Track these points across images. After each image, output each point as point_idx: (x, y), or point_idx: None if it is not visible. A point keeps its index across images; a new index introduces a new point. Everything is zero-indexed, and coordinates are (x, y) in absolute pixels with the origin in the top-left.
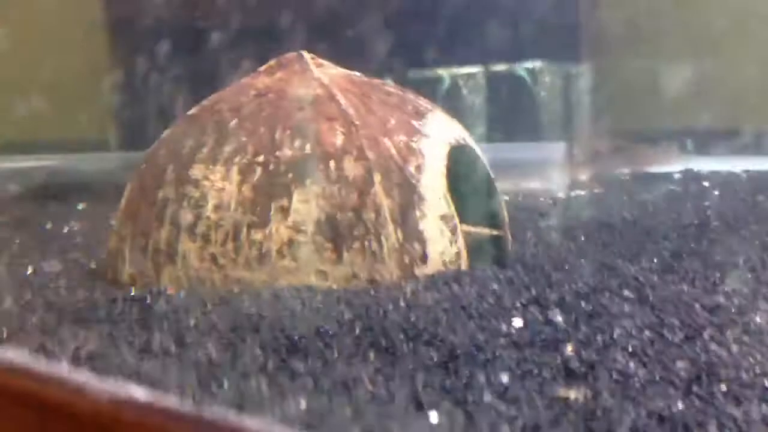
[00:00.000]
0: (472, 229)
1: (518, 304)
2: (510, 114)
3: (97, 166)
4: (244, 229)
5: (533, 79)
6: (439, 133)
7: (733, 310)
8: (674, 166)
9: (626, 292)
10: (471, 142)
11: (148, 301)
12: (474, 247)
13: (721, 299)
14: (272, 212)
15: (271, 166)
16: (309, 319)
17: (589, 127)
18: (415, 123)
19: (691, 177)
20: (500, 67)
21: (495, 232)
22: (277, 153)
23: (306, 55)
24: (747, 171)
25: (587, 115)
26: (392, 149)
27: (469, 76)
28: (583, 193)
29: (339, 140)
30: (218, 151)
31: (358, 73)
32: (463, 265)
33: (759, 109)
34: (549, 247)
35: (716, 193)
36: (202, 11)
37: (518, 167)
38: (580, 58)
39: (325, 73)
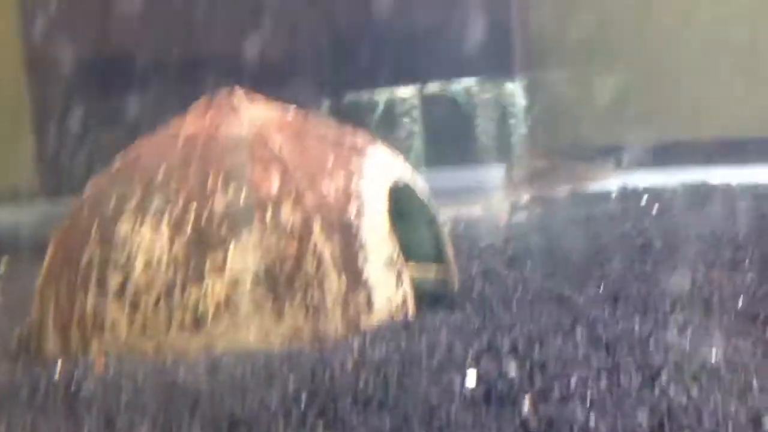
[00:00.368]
0: (416, 266)
1: (470, 355)
2: (446, 135)
3: (18, 216)
4: (177, 290)
5: (468, 99)
6: (380, 171)
7: (687, 347)
8: (611, 181)
9: (579, 332)
10: (412, 177)
11: (74, 381)
12: (420, 287)
13: (675, 334)
14: (206, 269)
15: (204, 218)
16: (251, 390)
17: (526, 145)
18: (354, 162)
19: (629, 193)
20: (434, 88)
21: (441, 270)
22: (210, 203)
23: (238, 92)
24: (683, 184)
25: (524, 133)
26: (331, 192)
27: (404, 98)
28: (524, 215)
29: (275, 185)
30: (146, 205)
31: (292, 108)
32: (410, 308)
33: (693, 121)
34: (495, 280)
35: (655, 209)
36: (128, 46)
37: (457, 192)
38: (515, 74)
39: (258, 111)
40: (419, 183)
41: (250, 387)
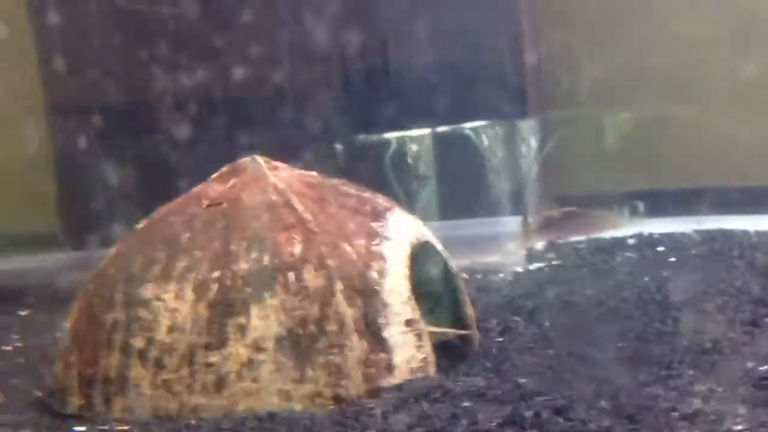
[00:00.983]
0: (438, 330)
1: (494, 425)
2: (460, 178)
3: (42, 265)
4: (200, 352)
5: (481, 140)
6: (400, 233)
7: (712, 418)
8: (627, 230)
9: (602, 402)
10: (431, 237)
11: None
12: (441, 347)
13: (698, 403)
14: (230, 331)
15: (228, 282)
16: None
17: (540, 192)
18: (374, 225)
19: (645, 242)
20: (447, 129)
21: (461, 332)
22: (233, 267)
23: (259, 159)
24: (698, 231)
25: (537, 179)
26: (353, 255)
27: (416, 138)
28: (541, 265)
29: (297, 249)
30: (170, 269)
31: (313, 173)
32: (431, 370)
33: (710, 168)
34: (515, 338)
35: (672, 259)
36: (155, 93)
37: (472, 240)
38: (528, 117)
39: (280, 177)
40: (437, 243)
41: None
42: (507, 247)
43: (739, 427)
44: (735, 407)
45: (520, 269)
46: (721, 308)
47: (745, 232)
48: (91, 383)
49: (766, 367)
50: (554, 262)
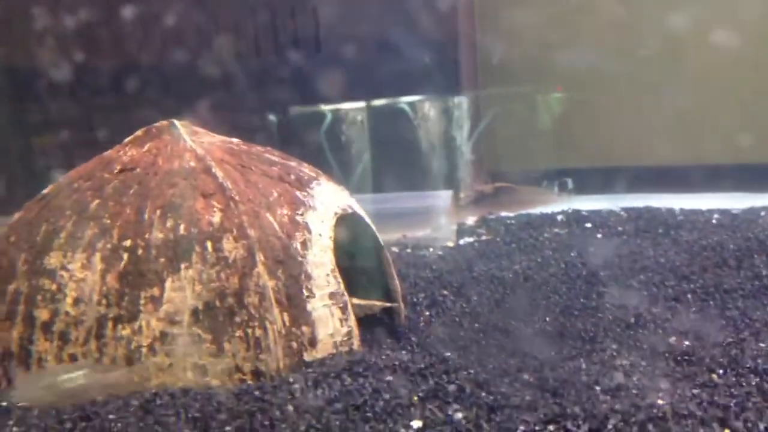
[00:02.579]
0: (363, 303)
1: (416, 399)
2: (393, 152)
3: None
4: (109, 325)
5: (415, 115)
6: (325, 203)
7: (634, 392)
8: (556, 206)
9: (525, 376)
10: (358, 208)
11: None
12: (366, 320)
13: (621, 378)
14: (141, 303)
15: (140, 251)
16: None
17: (473, 168)
18: (299, 194)
19: (573, 218)
20: (382, 104)
21: (387, 305)
22: (146, 236)
23: (178, 123)
24: (625, 208)
25: (470, 155)
26: (275, 225)
27: (351, 112)
28: (471, 240)
29: (216, 218)
30: (78, 237)
31: (235, 140)
32: (355, 344)
33: (638, 148)
34: (442, 312)
35: (599, 236)
36: (73, 57)
37: (404, 215)
38: (462, 94)
39: (200, 142)
40: (364, 214)
41: (182, 430)
42: (438, 222)
43: (662, 402)
44: (657, 382)
45: (450, 244)
46: (646, 284)
47: (671, 210)
48: None
49: (687, 342)
50: (484, 237)
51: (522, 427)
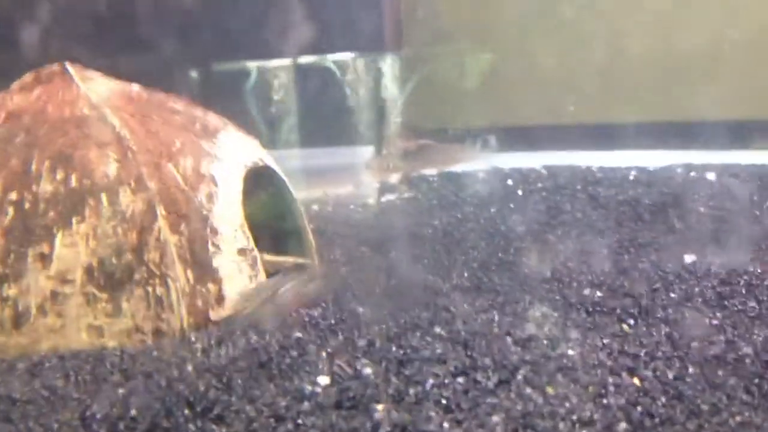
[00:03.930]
0: (274, 258)
1: (324, 355)
2: (319, 110)
3: None
4: None
5: (341, 73)
6: (234, 155)
7: (545, 343)
8: (478, 163)
9: (437, 329)
10: (270, 161)
11: None
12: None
13: (533, 329)
14: (29, 261)
15: (27, 205)
16: (73, 399)
17: (396, 125)
18: (204, 144)
19: (495, 176)
20: (308, 60)
21: (300, 260)
22: (34, 188)
23: (70, 67)
24: (545, 166)
25: (394, 112)
26: (178, 176)
27: (277, 69)
28: (392, 197)
29: (112, 169)
30: None
31: (136, 87)
32: None
33: (561, 105)
34: (359, 268)
35: (519, 192)
36: None
37: (326, 171)
38: (387, 51)
39: (95, 88)
40: (277, 167)
41: (72, 396)
42: (359, 179)
43: (572, 352)
44: (568, 332)
45: (371, 201)
46: (562, 239)
47: (589, 168)
48: None
49: (599, 293)
50: (406, 195)
51: (431, 380)
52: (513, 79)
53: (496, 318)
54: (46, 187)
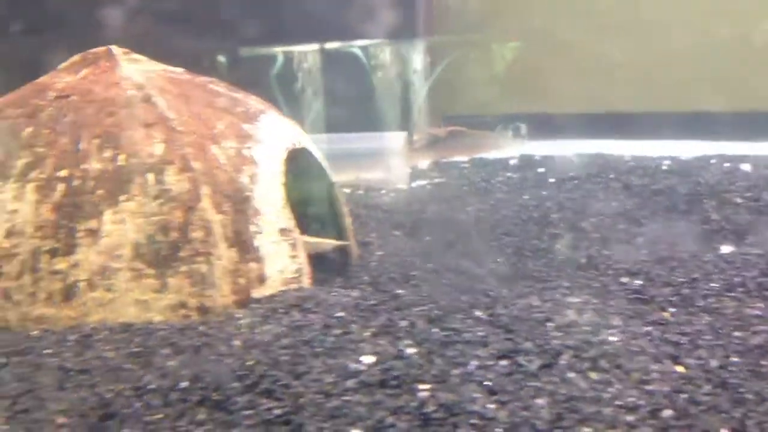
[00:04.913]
0: (313, 240)
1: (367, 334)
2: (346, 96)
3: None
4: (45, 258)
5: (369, 59)
6: (275, 137)
7: (586, 329)
8: (509, 151)
9: (477, 312)
10: (309, 143)
11: None
12: (316, 259)
13: (572, 315)
14: (79, 236)
15: (76, 182)
16: (125, 371)
17: (426, 111)
18: (246, 127)
19: (526, 163)
20: (336, 46)
21: (338, 243)
22: (83, 166)
23: (116, 49)
24: (577, 154)
25: (424, 99)
26: (221, 158)
27: (304, 54)
28: (424, 183)
29: (158, 149)
30: (9, 166)
31: (179, 69)
32: (305, 282)
33: (591, 94)
34: (394, 252)
35: (552, 180)
36: None
37: (357, 156)
38: (416, 38)
39: (140, 70)
40: (316, 150)
41: (123, 368)
42: (391, 164)
43: (614, 338)
44: (609, 319)
45: (403, 186)
46: (597, 227)
47: (621, 157)
48: None
49: (638, 281)
50: (437, 180)
51: (474, 362)
52: (544, 67)
53: (536, 303)
54: (94, 166)
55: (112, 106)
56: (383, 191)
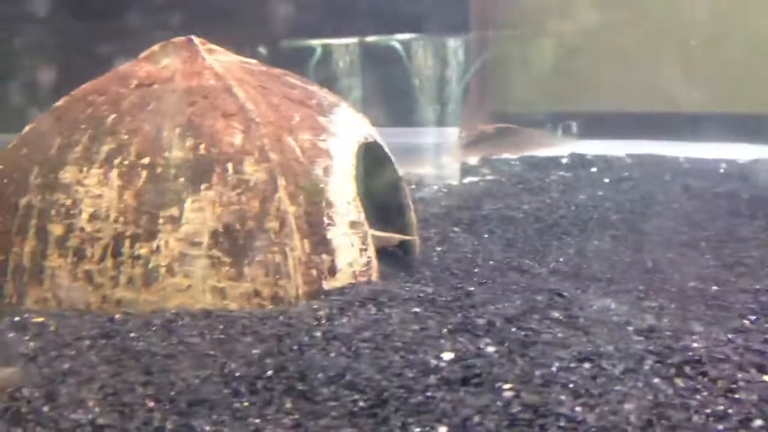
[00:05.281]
0: (381, 234)
1: (445, 331)
2: (387, 90)
3: None
4: (127, 243)
5: (409, 53)
6: (348, 130)
7: (667, 334)
8: (559, 149)
9: (554, 313)
10: (378, 138)
11: (11, 336)
12: (381, 252)
13: (651, 319)
14: (160, 223)
15: (159, 170)
16: (211, 357)
17: (474, 107)
18: (321, 119)
19: (578, 162)
20: (374, 39)
21: (405, 237)
22: (165, 154)
23: (196, 39)
24: (630, 154)
25: (469, 95)
26: (297, 150)
27: (342, 47)
28: (475, 179)
29: (237, 139)
30: (94, 151)
31: (253, 61)
32: (374, 275)
33: (643, 93)
34: (454, 248)
35: (606, 180)
36: None
37: (405, 152)
38: (463, 32)
39: (218, 61)
40: (386, 147)
41: (209, 353)
42: (442, 159)
43: (697, 345)
44: (689, 325)
45: (454, 182)
46: (659, 229)
47: (675, 158)
48: (1, 271)
49: (715, 287)
50: (488, 177)
51: (557, 363)
52: (596, 64)
53: (612, 306)
54: (176, 154)
55: (194, 96)
56: (435, 187)
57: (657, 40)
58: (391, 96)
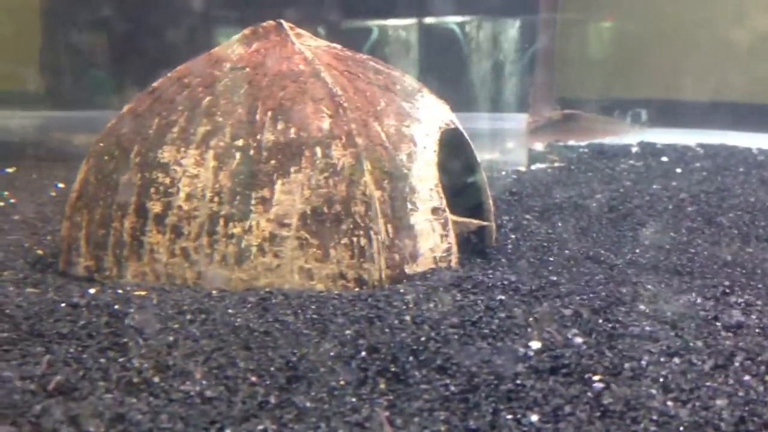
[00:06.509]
0: (460, 220)
1: (531, 320)
2: (446, 72)
3: (25, 122)
4: (221, 222)
5: (466, 35)
6: (430, 117)
7: (757, 331)
8: (628, 137)
9: (641, 306)
10: (458, 124)
11: (116, 308)
12: (459, 238)
13: (740, 315)
14: (252, 204)
15: (252, 152)
16: (306, 336)
17: (540, 92)
18: (405, 105)
19: (649, 151)
20: (433, 21)
21: (484, 223)
22: (258, 137)
23: (285, 24)
24: (701, 144)
25: (538, 79)
26: (382, 135)
27: (399, 28)
28: (543, 166)
29: (326, 124)
30: (191, 132)
31: (338, 46)
32: (454, 261)
33: (715, 83)
34: (529, 236)
35: (678, 170)
36: None
37: (474, 136)
38: (538, 15)
39: (307, 46)
40: (465, 133)
41: (304, 333)
42: (509, 145)
43: None
44: None
45: (522, 168)
46: (736, 223)
47: (748, 149)
48: (102, 245)
49: None
50: (557, 164)
51: (646, 357)
52: (667, 51)
53: (699, 301)
54: (268, 137)
55: (285, 80)
56: (503, 173)
57: (731, 28)
58: (460, 81)
